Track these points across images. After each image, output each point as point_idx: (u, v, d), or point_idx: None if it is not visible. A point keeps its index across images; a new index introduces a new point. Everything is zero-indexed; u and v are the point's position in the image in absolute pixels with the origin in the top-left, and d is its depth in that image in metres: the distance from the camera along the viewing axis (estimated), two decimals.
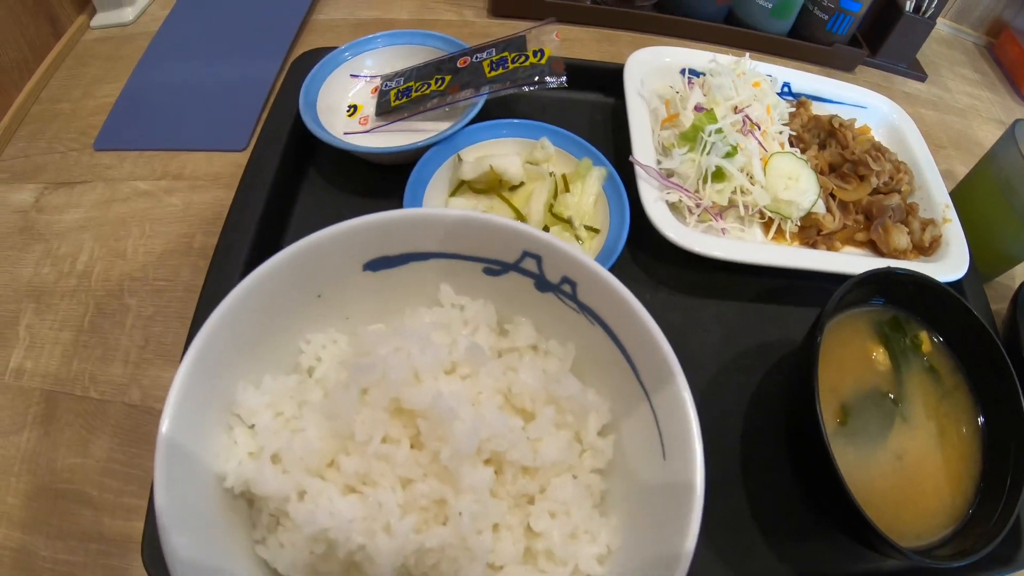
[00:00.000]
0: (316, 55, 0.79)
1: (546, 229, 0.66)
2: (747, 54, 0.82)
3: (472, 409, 0.47)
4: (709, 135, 0.69)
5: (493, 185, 0.68)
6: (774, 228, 0.74)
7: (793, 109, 0.82)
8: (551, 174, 0.69)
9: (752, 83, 0.78)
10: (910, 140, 0.89)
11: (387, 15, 0.95)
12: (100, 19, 0.92)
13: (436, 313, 0.54)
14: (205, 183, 0.77)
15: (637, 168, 0.69)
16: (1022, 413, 0.61)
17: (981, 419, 0.65)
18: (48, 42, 0.90)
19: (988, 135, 1.11)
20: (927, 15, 1.04)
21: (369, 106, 0.76)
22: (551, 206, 0.67)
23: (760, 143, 0.73)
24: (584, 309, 0.52)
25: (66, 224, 0.78)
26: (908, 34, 1.05)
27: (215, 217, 0.74)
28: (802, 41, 1.00)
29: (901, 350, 0.68)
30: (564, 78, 0.71)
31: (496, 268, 0.54)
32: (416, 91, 0.74)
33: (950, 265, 0.78)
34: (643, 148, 0.72)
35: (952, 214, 0.84)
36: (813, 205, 0.73)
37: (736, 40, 0.99)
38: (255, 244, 0.65)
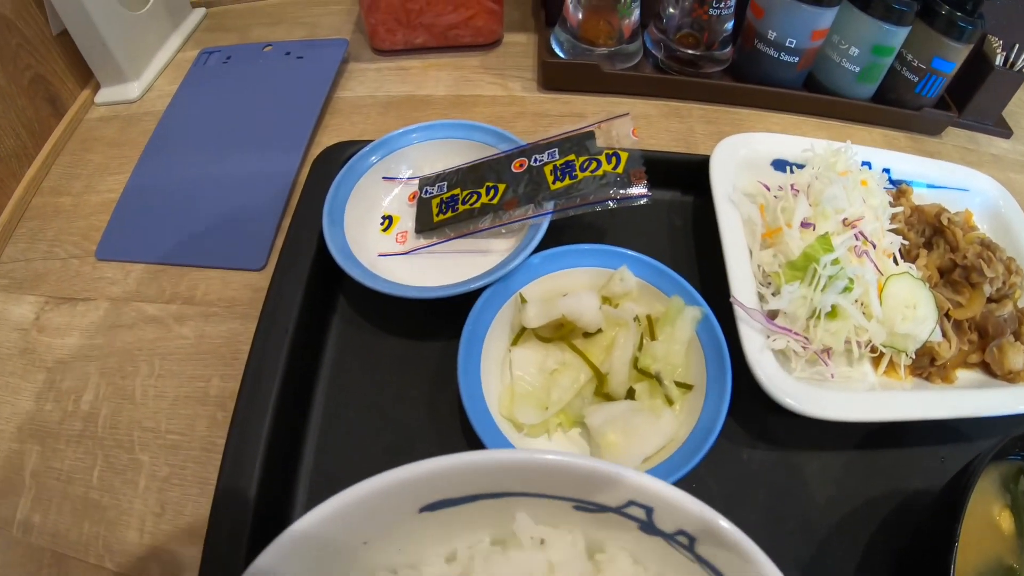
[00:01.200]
0: (341, 150, 0.61)
1: (630, 393, 0.49)
2: (848, 140, 0.63)
3: None
4: (824, 267, 0.51)
5: (564, 332, 0.51)
6: (885, 363, 0.56)
7: (899, 209, 0.63)
8: (636, 319, 0.51)
9: (860, 181, 0.59)
10: (1016, 228, 0.70)
11: (420, 90, 0.74)
12: (105, 95, 0.74)
13: (513, 564, 0.37)
14: (219, 311, 0.60)
15: (737, 308, 0.51)
16: None
17: None
18: (49, 124, 0.72)
19: None
20: (1017, 68, 0.83)
21: (407, 217, 0.59)
22: (635, 359, 0.50)
23: (876, 265, 0.55)
24: (702, 562, 0.36)
25: (69, 350, 0.62)
26: (997, 90, 0.84)
27: (232, 357, 0.57)
28: (887, 106, 0.79)
29: None
30: (648, 192, 0.52)
31: (591, 507, 0.37)
32: (463, 202, 0.56)
33: None
34: (742, 279, 0.54)
35: None
36: (931, 334, 0.55)
37: (817, 108, 0.79)
38: (278, 409, 0.49)
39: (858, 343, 0.54)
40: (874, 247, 0.55)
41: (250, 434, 0.48)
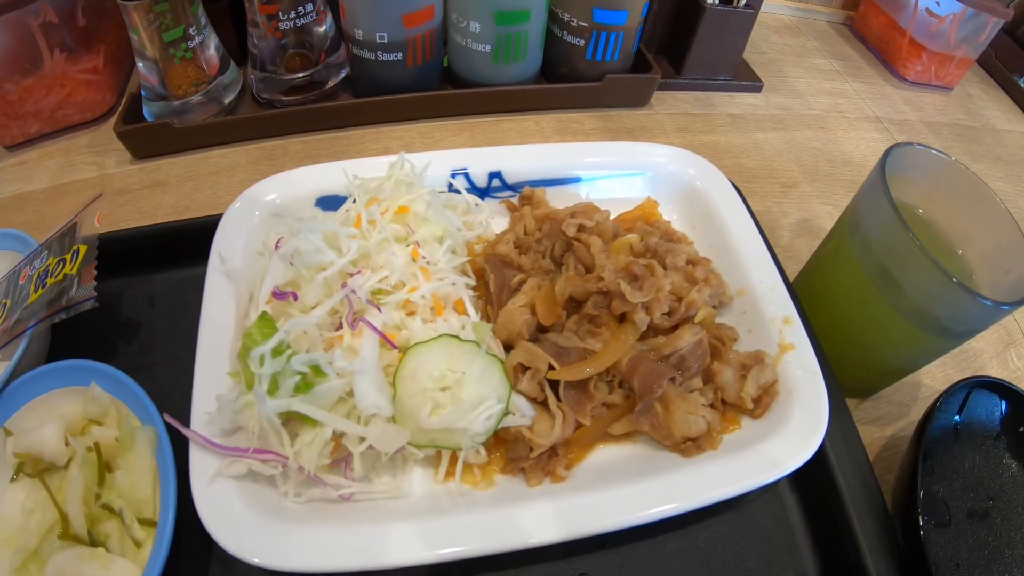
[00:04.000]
0: None
1: (90, 539, 0.34)
2: (400, 153, 0.41)
3: None
4: (261, 363, 0.30)
5: (43, 467, 0.37)
6: (443, 466, 0.34)
7: (469, 234, 0.40)
8: (90, 449, 0.35)
9: (396, 209, 0.37)
10: (723, 210, 0.48)
11: (28, 186, 0.59)
12: None
13: None
14: None
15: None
16: None
17: None
18: None
19: (861, 143, 0.65)
20: (744, 3, 0.58)
21: None
22: (97, 495, 0.34)
23: (383, 335, 0.33)
24: None
25: None
26: (720, 36, 0.60)
27: None
28: (558, 84, 0.56)
29: None
30: (92, 296, 0.38)
31: None
32: None
33: (791, 438, 0.39)
34: (212, 383, 0.35)
35: (797, 334, 0.43)
36: (499, 421, 0.33)
37: (461, 106, 0.58)
38: None
39: (363, 452, 0.32)
40: (379, 311, 0.34)
41: None
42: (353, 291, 0.34)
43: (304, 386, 0.31)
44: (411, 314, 0.36)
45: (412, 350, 0.34)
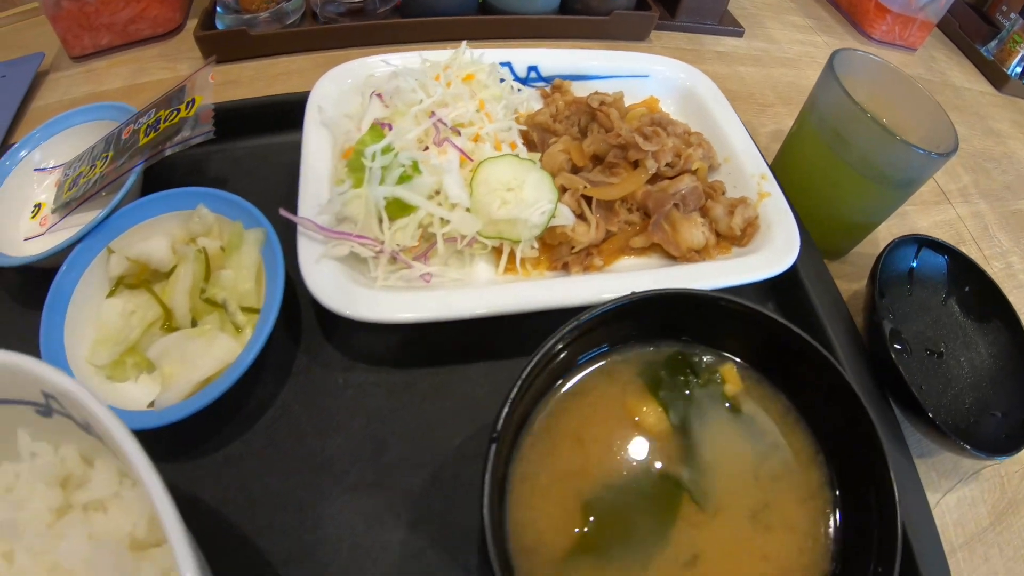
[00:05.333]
0: None
1: (193, 323, 0.43)
2: (464, 43, 0.54)
3: None
4: (373, 158, 0.42)
5: (146, 277, 0.46)
6: (504, 258, 0.46)
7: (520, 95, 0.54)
8: (199, 251, 0.45)
9: (463, 77, 0.50)
10: (709, 104, 0.62)
11: (100, 87, 0.70)
12: None
13: None
14: None
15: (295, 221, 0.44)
16: (887, 475, 0.33)
17: (829, 484, 0.37)
18: None
19: None
20: None
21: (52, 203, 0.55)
22: (202, 290, 0.43)
23: (463, 152, 0.45)
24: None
25: None
26: None
27: None
28: (573, 16, 0.71)
29: (689, 399, 0.40)
30: (211, 129, 0.48)
31: (42, 408, 0.30)
32: (85, 177, 0.51)
33: (773, 254, 0.51)
34: (313, 192, 0.47)
35: (771, 186, 0.56)
36: (550, 218, 0.46)
37: (493, 30, 0.72)
38: None
39: (447, 238, 0.44)
40: (459, 134, 0.46)
41: None
42: (440, 120, 0.46)
43: (405, 178, 0.43)
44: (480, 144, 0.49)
45: (484, 162, 0.46)
